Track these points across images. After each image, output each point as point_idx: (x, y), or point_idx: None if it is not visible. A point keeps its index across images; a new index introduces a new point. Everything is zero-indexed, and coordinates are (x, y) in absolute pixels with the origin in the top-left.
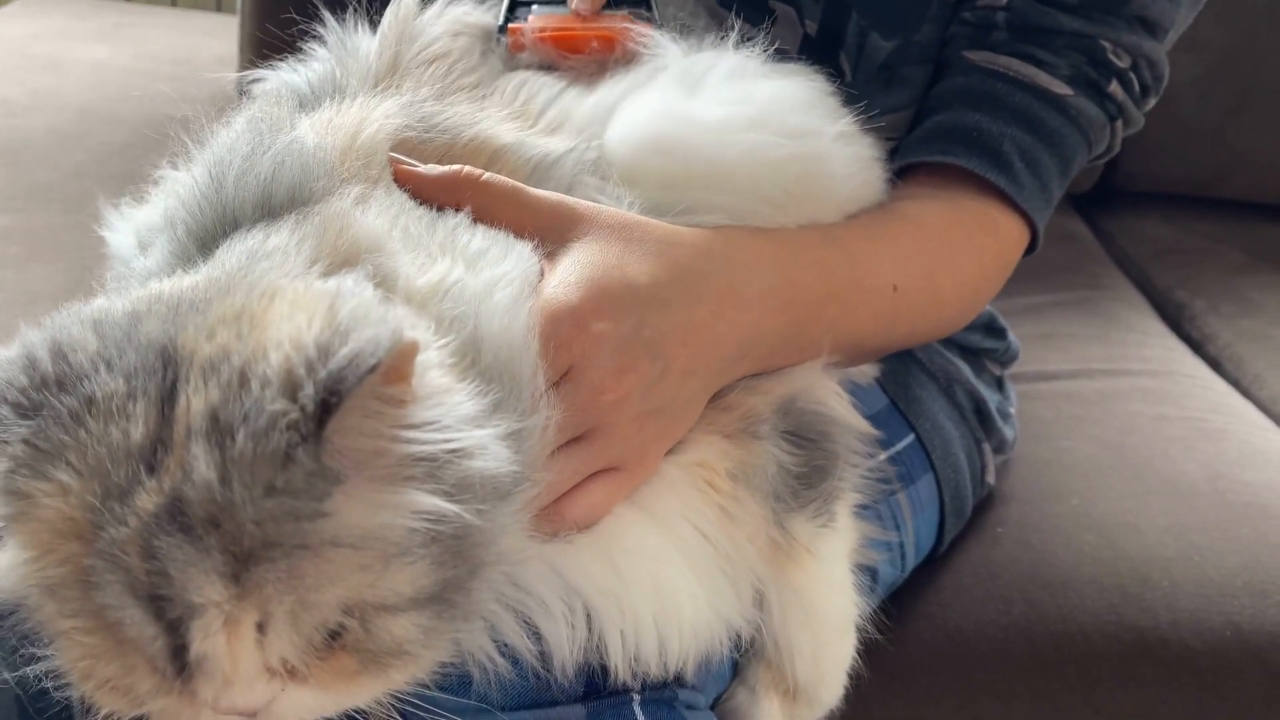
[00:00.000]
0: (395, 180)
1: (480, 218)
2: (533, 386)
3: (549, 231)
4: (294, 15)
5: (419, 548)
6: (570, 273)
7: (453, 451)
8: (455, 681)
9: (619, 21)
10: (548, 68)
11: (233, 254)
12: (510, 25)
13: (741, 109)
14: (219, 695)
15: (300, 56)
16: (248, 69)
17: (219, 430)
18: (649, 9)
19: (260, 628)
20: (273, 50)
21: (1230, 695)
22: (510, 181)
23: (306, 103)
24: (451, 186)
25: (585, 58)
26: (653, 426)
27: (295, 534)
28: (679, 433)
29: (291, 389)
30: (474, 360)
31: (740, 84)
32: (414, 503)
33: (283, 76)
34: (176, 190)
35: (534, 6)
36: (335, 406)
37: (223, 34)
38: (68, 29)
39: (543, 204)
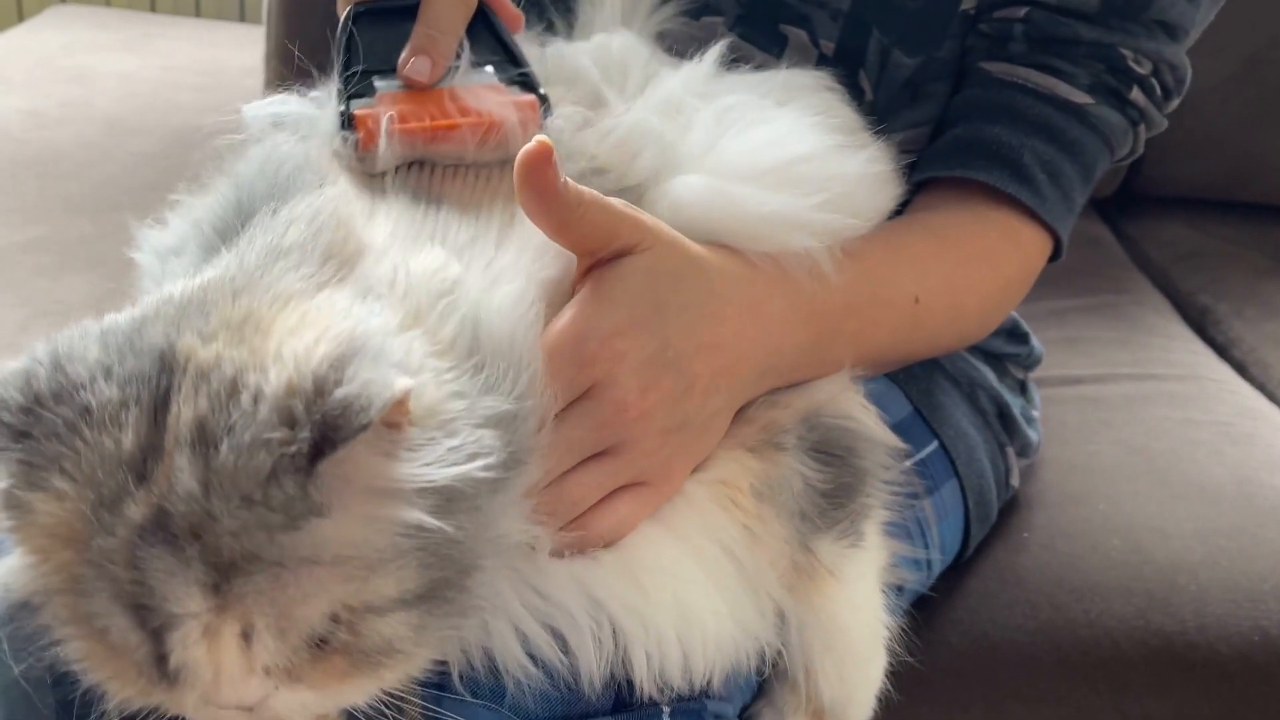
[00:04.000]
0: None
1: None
2: (529, 367)
3: (588, 238)
4: (319, 26)
5: (404, 554)
6: (596, 290)
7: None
8: (489, 693)
9: (493, 97)
10: (411, 163)
11: (254, 249)
12: (357, 113)
13: (776, 193)
14: (207, 697)
15: (305, 90)
16: (274, 79)
17: (204, 440)
18: (524, 77)
19: (245, 636)
20: (297, 61)
21: (1258, 700)
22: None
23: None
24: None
25: (458, 147)
26: (677, 442)
27: (274, 548)
28: (705, 449)
29: (289, 418)
30: (470, 344)
31: (764, 141)
32: (398, 517)
33: (290, 107)
34: (196, 213)
35: (375, 81)
36: (328, 451)
37: (248, 44)
38: (95, 41)
39: (594, 206)
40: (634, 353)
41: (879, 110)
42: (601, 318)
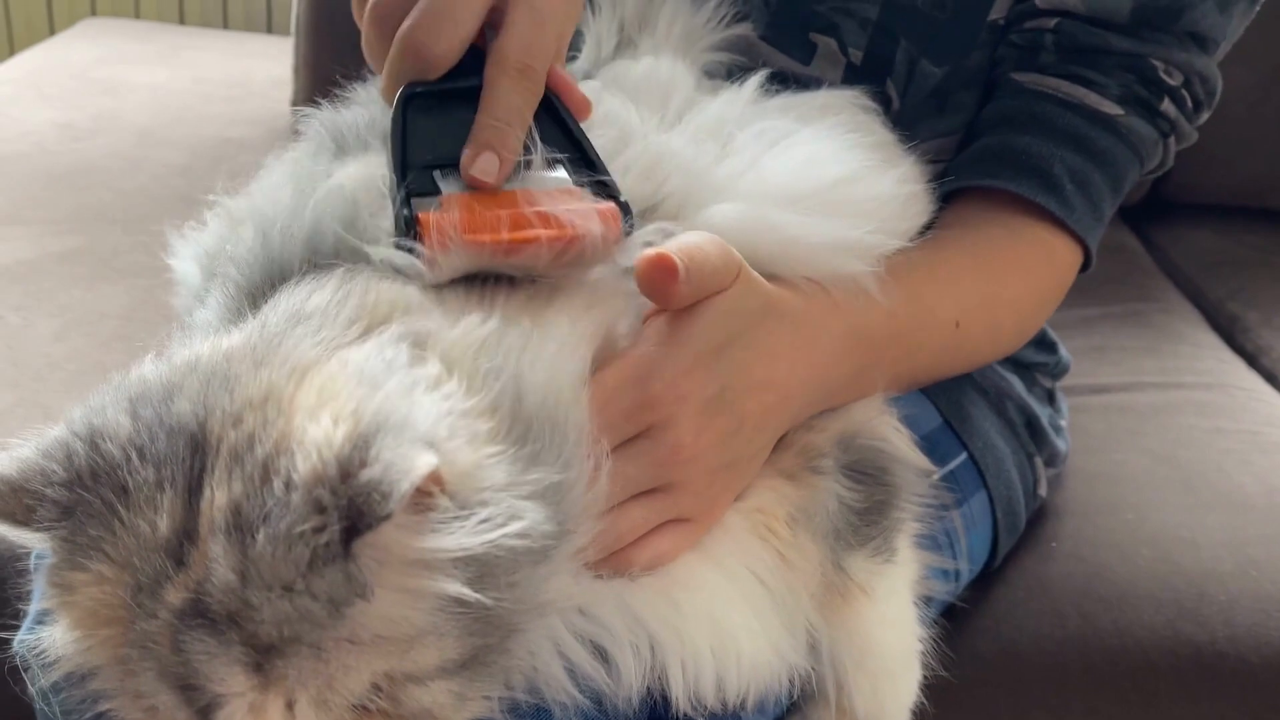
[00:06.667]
0: None
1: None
2: (578, 435)
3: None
4: (347, 37)
5: (444, 625)
6: (669, 329)
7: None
8: (531, 713)
9: (573, 204)
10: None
11: (276, 313)
12: (421, 215)
13: (818, 218)
14: None
15: (342, 98)
16: (302, 91)
17: (239, 527)
18: (603, 182)
19: (289, 706)
20: (326, 73)
21: None
22: None
23: (345, 147)
24: None
25: (531, 260)
26: (723, 480)
27: (314, 632)
28: (746, 482)
29: (319, 506)
30: (513, 410)
31: (800, 164)
32: (437, 590)
33: (327, 117)
34: (226, 248)
35: (436, 176)
36: (360, 533)
37: (276, 56)
38: (126, 53)
39: None
40: (696, 394)
41: (905, 120)
42: (669, 358)
